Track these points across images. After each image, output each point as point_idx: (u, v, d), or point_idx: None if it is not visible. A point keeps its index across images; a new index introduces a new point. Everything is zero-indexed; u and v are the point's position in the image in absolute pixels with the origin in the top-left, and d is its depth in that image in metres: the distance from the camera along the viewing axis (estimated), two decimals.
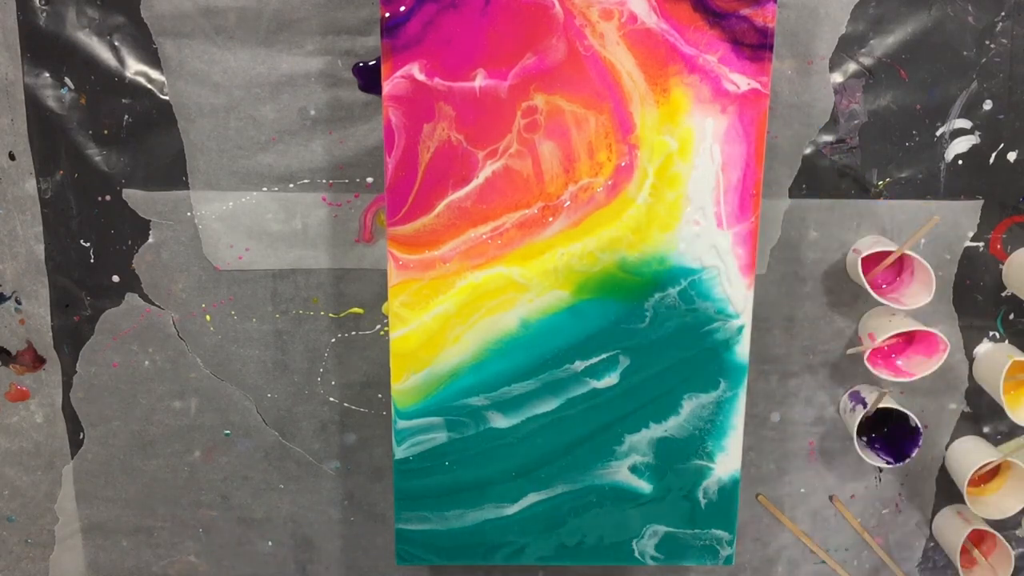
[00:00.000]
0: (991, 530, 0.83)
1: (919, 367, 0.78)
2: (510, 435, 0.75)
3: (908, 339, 0.81)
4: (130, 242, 0.79)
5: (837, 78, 0.77)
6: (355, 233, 0.79)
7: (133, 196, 0.78)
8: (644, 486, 0.77)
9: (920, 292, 0.76)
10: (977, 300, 0.82)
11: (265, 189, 0.78)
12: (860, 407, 0.80)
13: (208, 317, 0.81)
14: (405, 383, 0.74)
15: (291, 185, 0.78)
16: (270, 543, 0.88)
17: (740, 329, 0.73)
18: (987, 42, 0.76)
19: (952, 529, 0.85)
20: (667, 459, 0.76)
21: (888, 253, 0.76)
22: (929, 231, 0.79)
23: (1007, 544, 0.82)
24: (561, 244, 0.71)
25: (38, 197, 0.78)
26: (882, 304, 0.78)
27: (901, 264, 0.79)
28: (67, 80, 0.75)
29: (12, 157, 0.77)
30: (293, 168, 0.77)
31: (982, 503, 0.84)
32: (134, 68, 0.75)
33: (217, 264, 0.80)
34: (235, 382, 0.83)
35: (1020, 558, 0.87)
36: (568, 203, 0.70)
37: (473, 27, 0.67)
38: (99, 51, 0.75)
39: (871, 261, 0.77)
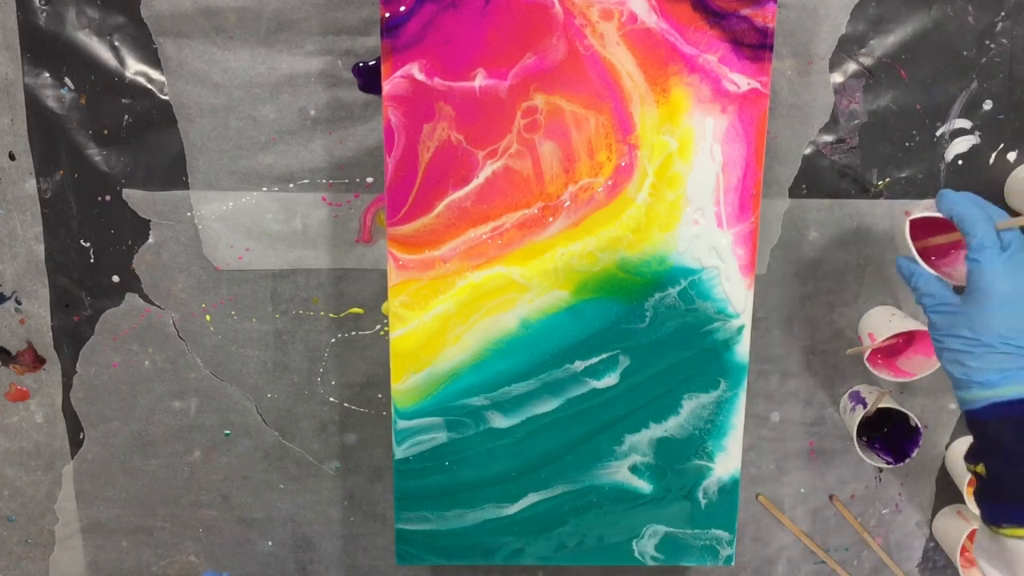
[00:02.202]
0: None
1: (919, 367, 0.78)
2: (510, 435, 0.75)
3: (908, 339, 0.81)
4: (130, 242, 0.79)
5: (837, 78, 0.77)
6: (355, 233, 0.79)
7: (133, 196, 0.78)
8: (644, 486, 0.77)
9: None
10: None
11: (265, 189, 0.78)
12: (860, 407, 0.80)
13: (208, 317, 0.81)
14: (405, 383, 0.74)
15: (291, 185, 0.78)
16: (270, 543, 0.88)
17: (740, 329, 0.73)
18: (987, 42, 0.76)
19: (952, 529, 0.85)
20: (667, 459, 0.76)
21: (942, 221, 0.68)
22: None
23: None
24: (561, 244, 0.71)
25: (38, 197, 0.78)
26: (933, 274, 0.68)
27: (958, 243, 0.73)
28: (67, 80, 0.75)
29: (12, 157, 0.77)
30: (293, 168, 0.77)
31: None
32: (134, 68, 0.75)
33: (217, 264, 0.80)
34: (235, 382, 0.83)
35: None
36: (568, 203, 0.70)
37: (473, 27, 0.67)
38: (99, 51, 0.75)
39: (922, 231, 0.72)
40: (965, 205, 0.61)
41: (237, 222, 0.79)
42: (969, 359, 0.60)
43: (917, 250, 0.70)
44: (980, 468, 0.62)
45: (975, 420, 0.60)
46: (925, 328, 0.77)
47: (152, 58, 0.75)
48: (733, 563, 0.80)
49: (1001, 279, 0.59)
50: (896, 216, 0.80)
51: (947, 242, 0.72)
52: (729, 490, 0.77)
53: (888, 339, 0.78)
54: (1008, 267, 0.59)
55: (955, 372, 0.61)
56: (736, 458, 0.76)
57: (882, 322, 0.79)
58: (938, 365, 0.77)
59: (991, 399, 0.59)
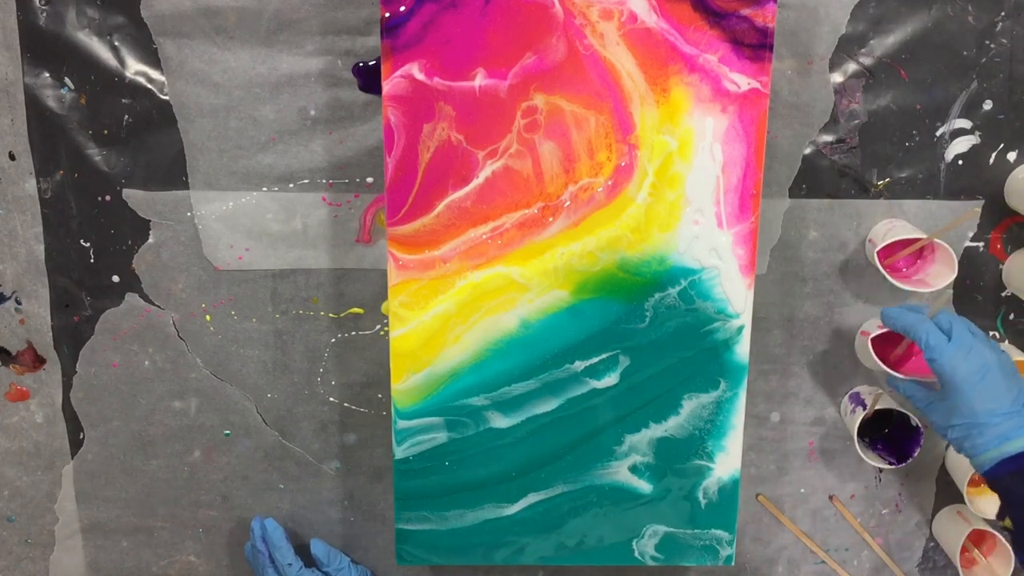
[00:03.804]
0: (991, 530, 0.83)
1: (921, 366, 0.78)
2: (510, 435, 0.75)
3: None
4: (130, 242, 0.79)
5: (837, 78, 0.77)
6: (355, 233, 0.79)
7: (133, 196, 0.78)
8: (644, 486, 0.77)
9: (944, 272, 0.76)
10: (977, 300, 0.82)
11: (265, 189, 0.78)
12: (860, 409, 0.80)
13: (208, 317, 0.81)
14: (405, 383, 0.74)
15: (291, 185, 0.78)
16: None
17: (740, 329, 0.73)
18: (987, 42, 0.76)
19: (952, 529, 0.85)
20: (667, 459, 0.76)
21: (904, 241, 0.76)
22: (964, 222, 0.78)
23: (1007, 544, 0.82)
24: (561, 244, 0.71)
25: (38, 197, 0.78)
26: (906, 291, 0.77)
27: (920, 249, 0.79)
28: (67, 80, 0.75)
29: (12, 157, 0.77)
30: (293, 168, 0.77)
31: (982, 503, 0.84)
32: (134, 68, 0.75)
33: (217, 264, 0.80)
34: (235, 382, 0.83)
35: None
36: (568, 203, 0.70)
37: (473, 27, 0.67)
38: (99, 51, 0.75)
39: (886, 252, 0.77)
40: (903, 316, 0.70)
41: (237, 222, 0.79)
42: (970, 440, 0.66)
43: (886, 267, 0.76)
44: (1007, 522, 0.74)
45: (991, 479, 0.66)
46: None
47: (152, 58, 0.75)
48: (733, 563, 0.80)
49: (960, 366, 0.66)
50: (896, 216, 0.80)
51: (910, 252, 0.78)
52: (729, 490, 0.77)
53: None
54: (958, 352, 0.66)
55: (965, 451, 0.67)
56: (736, 458, 0.76)
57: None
58: None
59: (997, 458, 0.65)
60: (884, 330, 0.76)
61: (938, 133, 0.78)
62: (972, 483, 0.83)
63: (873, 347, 0.76)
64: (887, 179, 0.79)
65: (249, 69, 0.75)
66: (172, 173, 0.77)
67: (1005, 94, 0.77)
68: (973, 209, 0.76)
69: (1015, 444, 0.64)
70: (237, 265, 0.80)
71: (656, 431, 0.75)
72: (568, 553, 0.79)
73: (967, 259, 0.81)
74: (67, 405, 0.83)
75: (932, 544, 0.90)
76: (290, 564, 0.80)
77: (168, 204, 0.78)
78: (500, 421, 0.75)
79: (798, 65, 0.76)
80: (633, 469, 0.76)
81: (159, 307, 0.81)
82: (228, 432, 0.84)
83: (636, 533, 0.78)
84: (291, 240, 0.79)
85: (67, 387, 0.83)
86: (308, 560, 0.83)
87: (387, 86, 0.68)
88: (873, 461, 0.80)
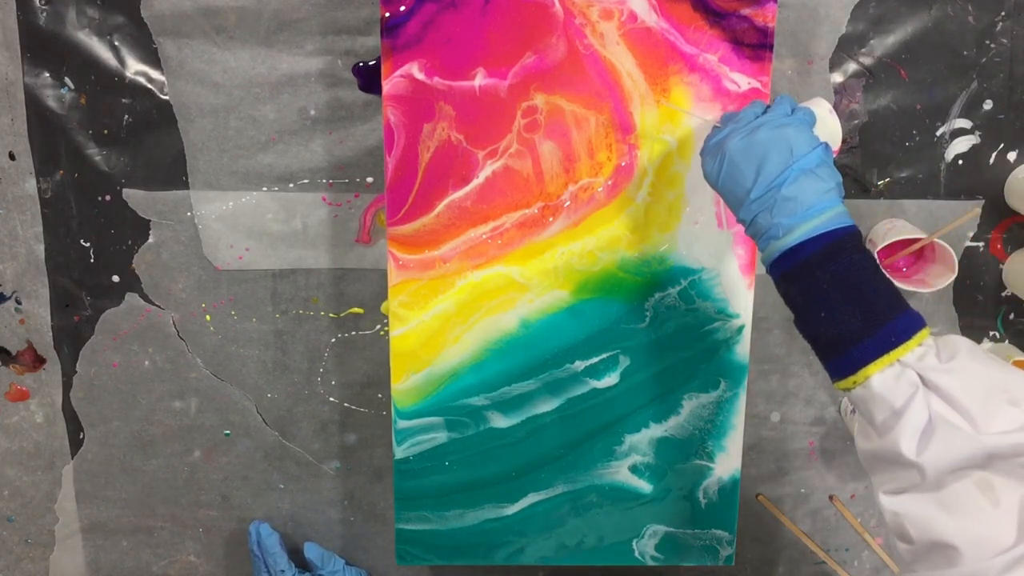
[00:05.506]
0: None
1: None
2: (510, 435, 0.75)
3: None
4: (130, 242, 0.79)
5: (837, 78, 0.77)
6: (355, 233, 0.79)
7: (133, 196, 0.78)
8: (644, 486, 0.77)
9: (944, 272, 0.76)
10: (977, 300, 0.82)
11: (265, 189, 0.78)
12: None
13: (208, 317, 0.81)
14: (405, 383, 0.74)
15: (291, 185, 0.78)
16: None
17: (740, 329, 0.73)
18: (987, 42, 0.76)
19: None
20: (667, 459, 0.76)
21: (905, 241, 0.76)
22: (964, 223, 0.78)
23: None
24: (561, 244, 0.71)
25: (38, 197, 0.78)
26: (906, 290, 0.77)
27: (920, 249, 0.79)
28: (67, 80, 0.75)
29: (12, 157, 0.77)
30: (293, 168, 0.77)
31: None
32: (134, 68, 0.75)
33: (217, 264, 0.80)
34: (235, 382, 0.83)
35: None
36: (568, 203, 0.70)
37: (473, 26, 0.67)
38: (99, 51, 0.75)
39: (886, 252, 0.77)
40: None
41: (237, 222, 0.79)
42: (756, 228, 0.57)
43: (886, 267, 0.76)
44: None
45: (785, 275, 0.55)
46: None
47: (152, 58, 0.75)
48: (733, 563, 0.80)
49: (708, 166, 0.58)
50: (896, 216, 0.80)
51: (910, 252, 0.78)
52: (729, 490, 0.77)
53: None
54: (706, 158, 0.58)
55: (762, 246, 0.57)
56: (736, 458, 0.76)
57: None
58: None
59: (779, 249, 0.55)
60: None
61: (938, 133, 0.78)
62: None
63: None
64: (887, 179, 0.79)
65: (249, 69, 0.75)
66: (172, 173, 0.77)
67: (1005, 94, 0.77)
68: (973, 209, 0.76)
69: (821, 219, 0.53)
70: (237, 265, 0.80)
71: (656, 431, 0.75)
72: (568, 553, 0.79)
73: (967, 259, 0.81)
74: (67, 405, 0.83)
75: None
76: (283, 571, 0.80)
77: (168, 204, 0.78)
78: (500, 421, 0.75)
79: (798, 65, 0.76)
80: (633, 469, 0.76)
81: (159, 307, 0.81)
82: (228, 432, 0.84)
83: (636, 533, 0.78)
84: (291, 240, 0.79)
85: (67, 387, 0.83)
86: (304, 563, 0.83)
87: (387, 86, 0.68)
88: None
